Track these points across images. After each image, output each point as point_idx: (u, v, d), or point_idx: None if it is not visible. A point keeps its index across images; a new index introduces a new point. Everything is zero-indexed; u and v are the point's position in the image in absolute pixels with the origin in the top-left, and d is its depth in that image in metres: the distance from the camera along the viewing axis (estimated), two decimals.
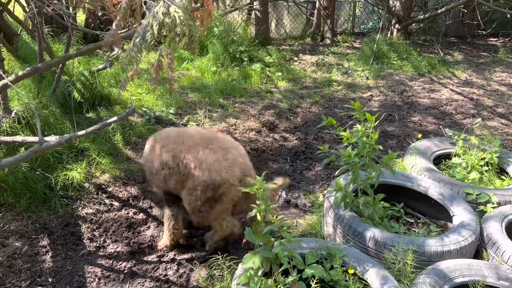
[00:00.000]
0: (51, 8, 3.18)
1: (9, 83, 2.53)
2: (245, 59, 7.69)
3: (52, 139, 1.75)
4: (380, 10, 10.66)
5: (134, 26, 2.87)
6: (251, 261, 2.32)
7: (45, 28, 5.43)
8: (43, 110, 4.22)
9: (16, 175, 3.42)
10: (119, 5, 2.52)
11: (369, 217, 3.04)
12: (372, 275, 2.52)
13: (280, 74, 7.43)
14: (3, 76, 2.86)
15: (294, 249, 2.55)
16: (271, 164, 4.65)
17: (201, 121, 5.46)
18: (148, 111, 5.37)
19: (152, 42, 2.23)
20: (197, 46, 2.29)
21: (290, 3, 10.26)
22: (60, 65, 4.43)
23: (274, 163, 4.68)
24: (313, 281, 2.27)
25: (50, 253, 3.14)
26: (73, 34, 4.40)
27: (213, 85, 6.59)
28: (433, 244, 2.78)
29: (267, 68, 7.58)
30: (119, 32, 2.71)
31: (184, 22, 2.11)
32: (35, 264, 3.02)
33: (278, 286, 2.25)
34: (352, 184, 3.05)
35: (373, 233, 2.86)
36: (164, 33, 2.13)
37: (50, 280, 2.91)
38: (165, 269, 3.07)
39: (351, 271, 2.50)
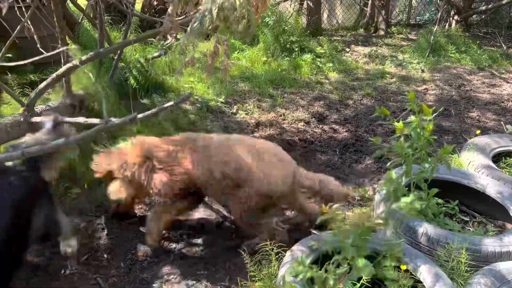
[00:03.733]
0: None
1: (78, 64, 2.66)
2: (296, 49, 7.61)
3: (116, 119, 1.84)
4: (438, 1, 10.20)
5: (192, 12, 2.92)
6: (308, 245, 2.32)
7: (104, 16, 5.64)
8: (101, 94, 4.40)
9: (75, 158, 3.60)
10: None
11: (422, 213, 2.94)
12: (424, 272, 2.44)
13: (331, 65, 7.31)
14: (68, 60, 3.01)
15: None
16: (319, 155, 4.61)
17: (250, 110, 5.49)
18: (199, 99, 5.47)
19: (210, 27, 2.26)
20: (254, 31, 2.29)
21: None
22: (118, 51, 4.60)
23: (323, 154, 4.63)
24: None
25: (105, 231, 3.29)
26: (132, 21, 4.55)
27: (263, 75, 6.59)
28: (490, 244, 2.66)
29: (318, 59, 7.48)
30: (177, 18, 2.76)
31: (243, 5, 2.13)
32: (92, 240, 3.19)
33: (328, 276, 2.24)
34: (405, 178, 2.96)
35: (425, 229, 2.78)
36: (223, 17, 2.15)
37: (105, 256, 3.05)
38: (213, 253, 3.13)
39: (403, 267, 2.43)
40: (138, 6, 9.10)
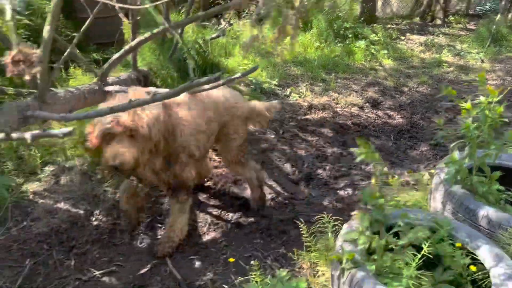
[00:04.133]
0: None
1: (148, 38, 2.81)
2: (350, 36, 7.55)
3: (201, 78, 1.95)
4: None
5: None
6: (363, 219, 2.36)
7: None
8: (162, 71, 4.60)
9: None
10: None
11: (483, 196, 2.90)
12: (485, 251, 2.42)
13: (385, 52, 7.20)
14: (136, 36, 3.18)
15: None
16: (373, 140, 4.59)
17: (303, 94, 5.53)
18: (253, 80, 5.57)
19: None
20: (325, 2, 2.34)
21: None
22: (180, 30, 4.76)
23: (377, 139, 4.61)
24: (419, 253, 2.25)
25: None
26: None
27: (315, 60, 6.60)
28: None
29: (372, 46, 7.38)
30: None
31: None
32: (155, 205, 3.38)
33: (389, 247, 2.27)
34: (468, 160, 2.92)
35: (487, 211, 2.74)
36: None
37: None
38: (268, 225, 3.23)
39: (459, 245, 2.43)
40: None
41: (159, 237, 3.07)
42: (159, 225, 3.19)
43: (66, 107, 2.86)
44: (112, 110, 1.90)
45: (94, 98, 3.19)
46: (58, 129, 1.27)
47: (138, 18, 3.66)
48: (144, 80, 4.21)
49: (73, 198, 3.35)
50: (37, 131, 1.31)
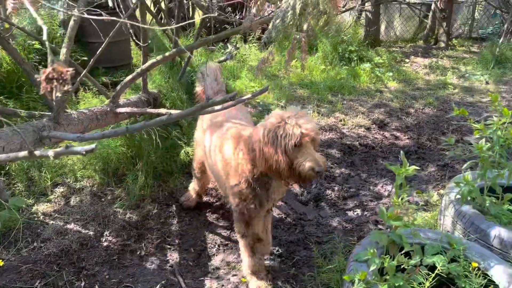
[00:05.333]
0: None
1: (160, 60, 2.87)
2: (355, 58, 7.65)
3: (216, 98, 2.00)
4: (503, 14, 9.86)
5: (269, 13, 3.08)
6: (378, 239, 2.36)
7: (173, 22, 5.98)
8: (172, 93, 4.67)
9: (150, 147, 3.84)
10: None
11: (495, 216, 2.89)
12: (499, 272, 2.40)
13: (390, 74, 7.27)
14: (149, 57, 3.25)
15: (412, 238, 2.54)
16: (380, 160, 4.60)
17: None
18: (260, 103, 5.63)
19: (292, 23, 2.39)
20: (333, 26, 2.39)
21: (403, 5, 9.95)
22: (188, 54, 4.84)
23: (384, 160, 4.62)
24: (432, 272, 2.24)
25: (176, 219, 3.48)
26: (203, 22, 4.79)
27: (321, 82, 6.68)
28: None
29: (377, 68, 7.46)
30: (256, 18, 2.92)
31: (325, 1, 2.25)
32: (164, 226, 3.38)
33: (401, 267, 2.26)
34: (479, 180, 2.93)
35: (499, 231, 2.72)
36: (308, 10, 2.27)
37: (176, 241, 3.23)
38: (278, 245, 3.22)
39: (475, 264, 2.41)
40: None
41: (168, 258, 3.06)
42: (168, 246, 3.18)
43: (79, 128, 2.91)
44: (127, 130, 1.93)
45: (106, 119, 3.25)
46: (79, 146, 1.30)
47: (149, 41, 3.74)
48: (154, 102, 4.27)
49: (83, 219, 3.37)
50: (60, 149, 1.34)
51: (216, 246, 3.21)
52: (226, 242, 3.25)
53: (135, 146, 3.79)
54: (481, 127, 2.68)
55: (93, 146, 1.26)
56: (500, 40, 7.97)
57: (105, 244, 3.15)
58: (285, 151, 2.26)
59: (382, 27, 10.04)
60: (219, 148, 2.72)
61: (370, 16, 9.08)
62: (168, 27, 2.70)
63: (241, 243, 2.75)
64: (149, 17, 5.99)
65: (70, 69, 1.15)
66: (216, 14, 3.61)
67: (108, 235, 3.23)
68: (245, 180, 2.51)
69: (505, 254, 2.68)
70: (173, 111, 2.86)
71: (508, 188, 3.19)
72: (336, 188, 4.03)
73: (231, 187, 2.60)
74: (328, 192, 3.98)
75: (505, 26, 8.64)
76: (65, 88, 1.10)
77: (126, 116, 3.47)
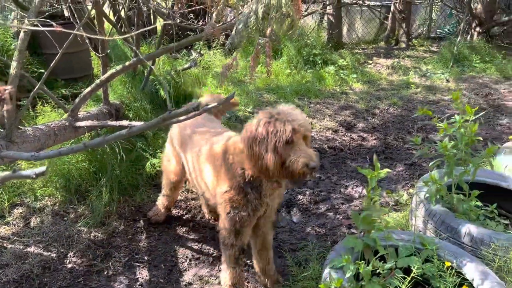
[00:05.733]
0: (151, 6, 3.42)
1: (120, 70, 2.75)
2: (319, 61, 7.71)
3: (179, 109, 1.91)
4: (459, 13, 10.23)
5: (232, 19, 3.02)
6: (352, 244, 2.32)
7: (133, 30, 5.82)
8: (135, 104, 4.53)
9: (114, 161, 3.69)
10: None
11: (464, 213, 2.92)
12: (471, 269, 2.41)
13: (354, 76, 7.36)
14: (109, 67, 3.12)
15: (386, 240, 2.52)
16: (349, 162, 4.61)
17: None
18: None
19: (255, 27, 2.33)
20: (297, 30, 2.36)
21: (364, 8, 10.14)
22: (151, 63, 4.72)
23: (353, 161, 4.63)
24: (406, 274, 2.22)
25: (144, 234, 3.34)
26: (165, 30, 4.68)
27: (287, 86, 6.67)
28: None
29: (341, 71, 7.54)
30: (218, 25, 2.85)
31: (288, 4, 2.20)
32: (132, 243, 3.24)
33: (376, 272, 2.23)
34: (446, 178, 2.95)
35: (468, 228, 2.75)
36: (271, 15, 2.22)
37: (146, 258, 3.10)
38: (251, 255, 3.14)
39: (448, 264, 2.41)
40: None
41: (137, 276, 2.93)
42: (137, 264, 3.05)
43: (36, 145, 2.74)
44: (85, 147, 1.82)
45: (65, 134, 3.08)
46: (28, 169, 1.18)
47: (108, 51, 3.60)
48: (116, 113, 4.12)
49: (45, 240, 3.18)
50: (6, 173, 1.22)
51: (188, 260, 3.10)
52: (198, 256, 3.14)
53: (97, 161, 3.63)
54: (445, 126, 2.71)
55: (43, 168, 1.15)
56: (458, 39, 8.23)
57: (69, 266, 2.98)
58: (276, 149, 2.13)
59: (345, 30, 10.19)
60: (206, 157, 2.61)
61: (332, 19, 9.20)
62: (127, 35, 2.58)
63: (226, 254, 2.61)
64: (109, 26, 5.83)
65: (9, 87, 1.04)
66: (177, 21, 3.52)
67: (72, 256, 3.06)
68: (236, 185, 2.39)
69: (476, 250, 2.71)
70: (135, 123, 2.75)
71: (474, 184, 3.24)
72: (307, 193, 4.00)
73: (222, 194, 2.45)
74: (300, 197, 3.94)
75: (461, 25, 8.94)
76: (5, 108, 0.99)
77: (87, 130, 3.32)
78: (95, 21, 3.95)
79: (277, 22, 2.27)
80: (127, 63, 3.00)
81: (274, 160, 2.14)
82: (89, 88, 3.10)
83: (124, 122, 2.86)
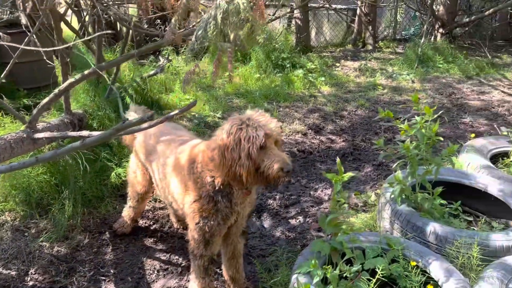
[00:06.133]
0: (112, 13, 3.34)
1: (79, 79, 2.67)
2: (288, 65, 7.74)
3: (132, 119, 1.85)
4: (422, 15, 10.49)
5: (192, 25, 2.98)
6: (319, 248, 2.31)
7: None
8: (99, 112, 4.42)
9: (77, 172, 3.58)
10: (178, 2, 2.63)
11: (429, 212, 2.97)
12: (436, 268, 2.45)
13: (323, 79, 7.43)
14: (69, 77, 3.03)
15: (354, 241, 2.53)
16: (319, 165, 4.63)
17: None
18: (196, 115, 5.50)
19: (215, 33, 2.30)
20: (258, 36, 2.34)
21: (331, 11, 10.27)
22: (114, 70, 4.63)
23: (322, 164, 4.66)
24: (373, 276, 2.23)
25: (110, 247, 3.25)
26: (128, 36, 4.60)
27: (257, 90, 6.67)
28: (498, 239, 2.68)
29: (310, 74, 7.59)
30: (179, 31, 2.81)
31: (247, 9, 2.18)
32: (97, 256, 3.14)
33: (343, 276, 2.23)
34: (410, 179, 3.00)
35: (433, 227, 2.79)
36: (229, 20, 2.19)
37: (112, 271, 3.01)
38: (220, 264, 3.09)
39: (413, 263, 2.44)
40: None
41: None
42: (103, 278, 2.95)
43: None
44: (37, 161, 1.74)
45: (22, 147, 2.96)
46: None
47: (68, 59, 3.50)
48: (79, 123, 4.01)
49: (4, 258, 3.05)
50: None
51: (156, 271, 3.03)
52: (166, 266, 3.07)
53: (59, 173, 3.51)
54: (406, 127, 2.75)
55: None
56: (422, 41, 8.43)
57: (30, 283, 2.86)
58: (250, 155, 2.09)
59: (313, 33, 10.29)
60: (172, 167, 2.55)
61: (300, 23, 9.27)
62: (79, 40, 2.51)
63: (195, 264, 2.55)
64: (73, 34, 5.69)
65: None
66: (145, 27, 3.45)
67: (33, 273, 2.94)
68: (206, 194, 2.33)
69: (441, 248, 2.75)
70: (95, 133, 2.67)
71: (438, 182, 3.31)
72: (277, 197, 3.99)
73: (190, 203, 2.39)
74: (270, 201, 3.93)
75: (425, 27, 9.16)
76: None
77: (46, 141, 3.20)
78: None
79: (236, 27, 2.25)
80: (85, 72, 2.92)
81: (249, 167, 2.11)
82: (47, 99, 2.99)
83: (84, 133, 2.76)
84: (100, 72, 2.37)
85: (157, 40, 3.08)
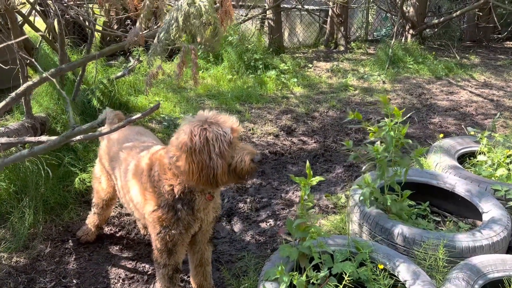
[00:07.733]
0: (73, 13, 3.22)
1: (38, 82, 2.55)
2: (260, 66, 7.71)
3: (83, 125, 1.76)
4: (393, 17, 10.65)
5: (157, 26, 2.89)
6: (287, 254, 2.27)
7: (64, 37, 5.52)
8: (63, 116, 4.27)
9: (38, 178, 3.43)
10: (142, 3, 2.55)
11: (397, 214, 2.97)
12: (403, 270, 2.44)
13: (295, 80, 7.42)
14: (27, 79, 2.89)
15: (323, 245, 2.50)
16: (290, 167, 4.61)
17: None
18: (166, 117, 5.39)
19: (177, 35, 2.23)
20: (221, 39, 2.28)
21: (303, 12, 10.29)
22: (80, 72, 4.48)
23: (294, 166, 4.63)
24: (342, 279, 2.21)
25: (74, 255, 3.13)
26: (94, 37, 4.45)
27: (229, 92, 6.61)
28: (464, 240, 2.70)
29: (282, 75, 7.58)
30: (142, 32, 2.72)
31: (209, 12, 2.12)
32: (59, 266, 3.01)
33: (311, 281, 2.20)
34: (379, 181, 2.99)
35: (401, 229, 2.79)
36: (190, 23, 2.13)
37: (74, 281, 2.89)
38: (188, 270, 3.02)
39: (381, 266, 2.43)
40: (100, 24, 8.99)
41: None
42: None
43: None
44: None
45: None
46: None
47: (30, 60, 3.35)
48: (41, 127, 3.85)
49: None
50: None
51: (121, 280, 2.92)
52: (132, 275, 2.97)
53: (19, 179, 3.35)
54: (375, 130, 2.74)
55: None
56: (392, 41, 8.54)
57: None
58: (221, 154, 2.04)
59: (286, 34, 10.29)
60: (132, 174, 2.45)
61: (272, 24, 9.25)
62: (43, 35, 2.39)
63: (159, 273, 2.46)
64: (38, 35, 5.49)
65: None
66: (115, 28, 3.33)
67: None
68: (165, 203, 2.24)
69: (408, 250, 2.75)
70: (54, 138, 2.55)
71: (407, 184, 3.32)
72: (248, 200, 3.94)
73: (149, 213, 2.30)
74: (241, 205, 3.87)
75: (395, 28, 9.30)
76: None
77: (3, 147, 3.05)
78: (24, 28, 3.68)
79: (198, 30, 2.18)
80: (44, 74, 2.79)
81: (222, 165, 2.06)
82: (3, 102, 2.85)
83: (43, 138, 2.64)
84: (51, 78, 2.25)
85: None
